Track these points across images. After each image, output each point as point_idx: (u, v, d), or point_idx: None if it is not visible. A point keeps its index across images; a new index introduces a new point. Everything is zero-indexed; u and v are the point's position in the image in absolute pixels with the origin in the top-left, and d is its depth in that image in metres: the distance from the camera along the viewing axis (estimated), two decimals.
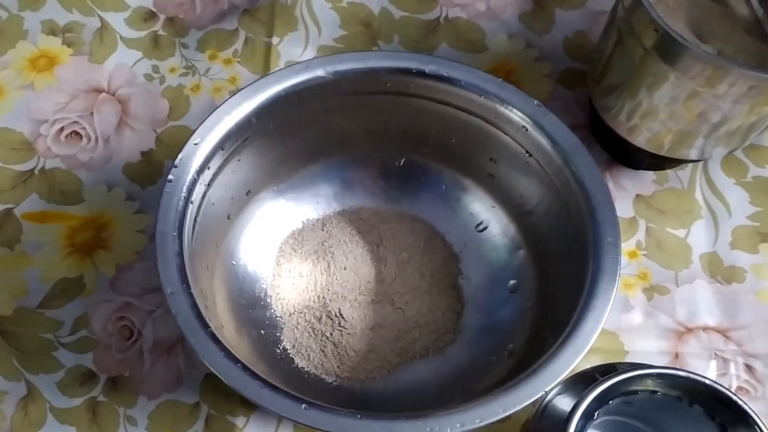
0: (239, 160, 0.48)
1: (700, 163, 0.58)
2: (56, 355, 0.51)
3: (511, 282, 0.51)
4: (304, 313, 0.50)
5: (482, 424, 0.38)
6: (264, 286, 0.51)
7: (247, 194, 0.51)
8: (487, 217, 0.53)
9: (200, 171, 0.44)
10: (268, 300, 0.51)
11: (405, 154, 0.54)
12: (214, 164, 0.46)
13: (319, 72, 0.47)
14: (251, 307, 0.50)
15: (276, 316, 0.50)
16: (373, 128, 0.52)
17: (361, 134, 0.52)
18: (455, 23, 0.63)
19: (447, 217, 0.54)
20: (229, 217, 0.50)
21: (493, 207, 0.53)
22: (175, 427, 0.49)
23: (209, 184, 0.46)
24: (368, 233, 0.53)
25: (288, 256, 0.52)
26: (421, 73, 0.48)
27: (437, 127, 0.51)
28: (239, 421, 0.49)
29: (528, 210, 0.51)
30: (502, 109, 0.47)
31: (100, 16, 0.62)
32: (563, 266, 0.47)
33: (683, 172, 0.57)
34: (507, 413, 0.39)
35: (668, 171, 0.57)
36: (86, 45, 0.61)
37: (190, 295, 0.41)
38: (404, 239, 0.53)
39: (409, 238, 0.53)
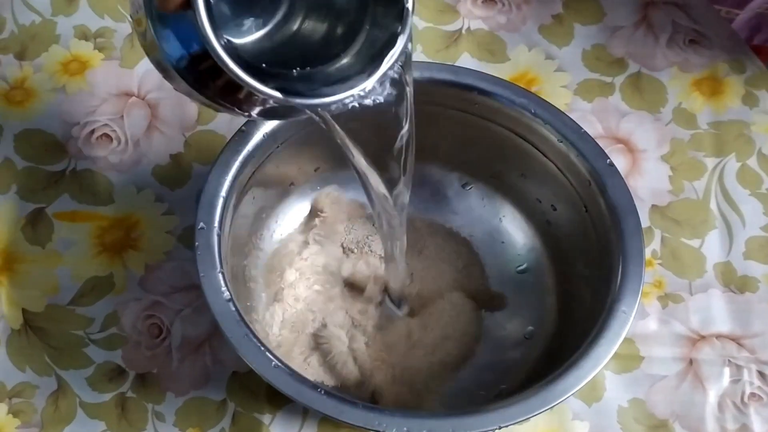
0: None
1: (716, 174, 0.59)
2: (86, 351, 0.52)
3: (529, 328, 0.52)
4: (306, 274, 0.53)
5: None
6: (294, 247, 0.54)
7: (315, 171, 0.54)
8: (531, 264, 0.54)
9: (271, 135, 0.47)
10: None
11: (471, 180, 0.56)
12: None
13: None
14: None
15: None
16: (451, 148, 0.54)
17: (437, 149, 0.54)
18: (476, 34, 0.64)
19: (494, 250, 0.55)
20: (291, 185, 0.54)
21: (541, 255, 0.54)
22: (202, 424, 0.50)
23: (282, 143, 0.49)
24: (414, 241, 0.54)
25: (334, 230, 0.55)
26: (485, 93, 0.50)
27: (508, 161, 0.52)
28: (265, 418, 0.50)
29: (570, 263, 0.52)
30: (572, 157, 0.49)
31: (130, 23, 0.63)
32: (585, 311, 0.47)
33: (699, 183, 0.59)
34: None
35: (684, 181, 0.59)
36: (117, 50, 0.62)
37: (224, 276, 0.43)
38: (445, 256, 0.54)
39: (450, 257, 0.54)
